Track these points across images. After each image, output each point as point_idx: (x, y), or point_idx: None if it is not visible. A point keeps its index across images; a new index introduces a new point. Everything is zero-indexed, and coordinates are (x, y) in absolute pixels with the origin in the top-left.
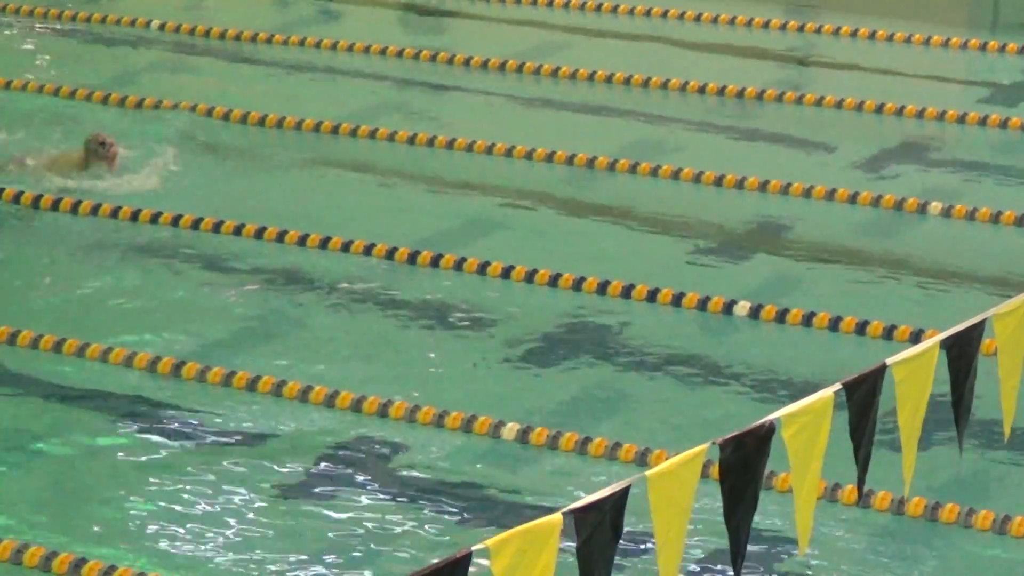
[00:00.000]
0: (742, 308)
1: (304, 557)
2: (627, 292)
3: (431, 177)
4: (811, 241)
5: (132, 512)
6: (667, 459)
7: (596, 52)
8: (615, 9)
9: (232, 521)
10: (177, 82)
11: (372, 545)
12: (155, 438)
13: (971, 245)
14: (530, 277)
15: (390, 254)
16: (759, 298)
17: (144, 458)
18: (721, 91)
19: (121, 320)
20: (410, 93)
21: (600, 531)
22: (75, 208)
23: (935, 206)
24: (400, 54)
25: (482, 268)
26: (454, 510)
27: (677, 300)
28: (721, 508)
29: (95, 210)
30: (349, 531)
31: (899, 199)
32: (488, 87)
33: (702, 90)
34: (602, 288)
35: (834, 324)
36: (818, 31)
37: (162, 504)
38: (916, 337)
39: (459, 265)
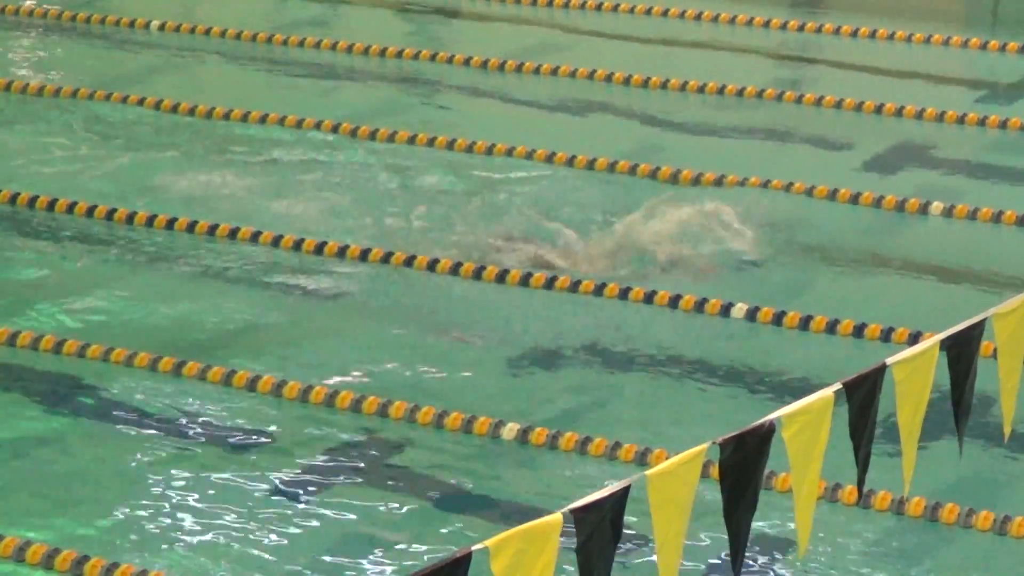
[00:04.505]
0: (739, 310)
1: (304, 557)
2: (624, 294)
3: (431, 178)
4: (812, 241)
5: (133, 511)
6: (667, 459)
7: (596, 52)
8: (615, 9)
9: (232, 521)
10: (177, 82)
11: (372, 545)
12: (155, 438)
13: (971, 245)
14: (526, 280)
15: (387, 257)
16: (757, 299)
17: (144, 457)
18: (721, 91)
19: (121, 319)
20: (410, 93)
21: (600, 531)
22: (70, 208)
23: (936, 206)
24: (400, 54)
25: (479, 271)
26: (454, 510)
27: (675, 301)
28: (721, 508)
29: (90, 212)
30: (349, 531)
31: (900, 199)
32: (488, 87)
33: (702, 90)
34: (599, 289)
35: (832, 326)
36: (819, 31)
37: (162, 503)
38: (915, 338)
39: (456, 268)
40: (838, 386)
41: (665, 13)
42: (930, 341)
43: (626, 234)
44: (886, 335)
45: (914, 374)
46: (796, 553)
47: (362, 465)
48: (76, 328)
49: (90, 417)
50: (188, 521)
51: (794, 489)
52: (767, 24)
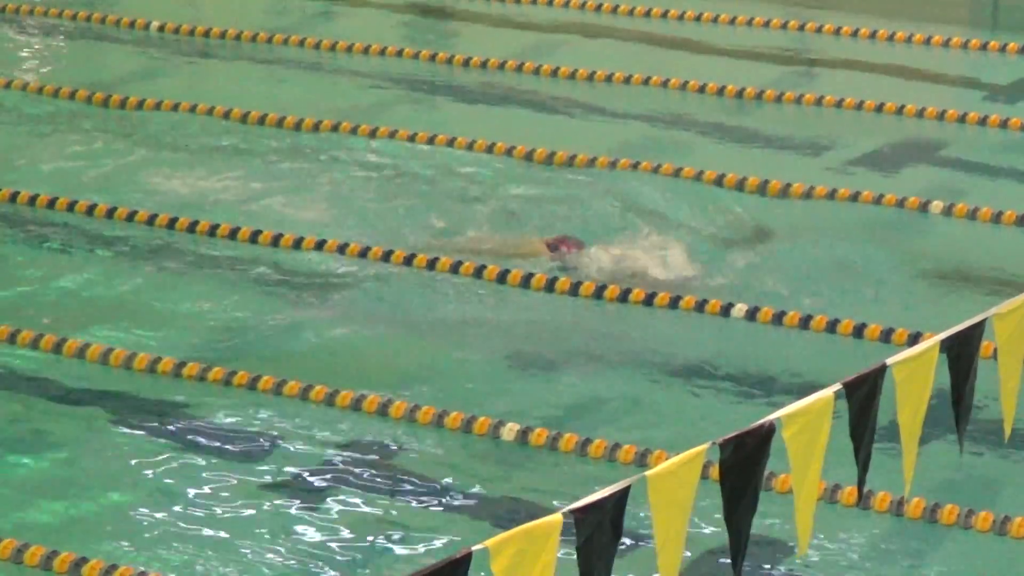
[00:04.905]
0: (739, 310)
1: (303, 557)
2: (624, 294)
3: (431, 178)
4: (811, 241)
5: (132, 511)
6: (667, 459)
7: (596, 52)
8: (615, 9)
9: (232, 521)
10: (177, 82)
11: (371, 545)
12: (155, 438)
13: (971, 245)
14: (527, 281)
15: (387, 257)
16: (757, 299)
17: (144, 458)
18: (721, 91)
19: (121, 320)
20: (410, 93)
21: (600, 531)
22: (70, 207)
23: (936, 205)
24: (400, 54)
25: (479, 271)
26: (454, 510)
27: (675, 302)
28: (721, 508)
29: (90, 211)
30: (348, 531)
31: (900, 199)
32: (488, 87)
33: (702, 90)
34: (599, 291)
35: (832, 326)
36: (818, 31)
37: (163, 503)
38: (915, 338)
39: (455, 268)
40: (838, 386)
41: (665, 14)
42: (930, 341)
43: (628, 243)
44: (886, 335)
45: (914, 374)
46: (796, 553)
47: (362, 465)
48: (75, 330)
49: (89, 418)
50: (188, 521)
51: (794, 489)
52: (767, 24)
